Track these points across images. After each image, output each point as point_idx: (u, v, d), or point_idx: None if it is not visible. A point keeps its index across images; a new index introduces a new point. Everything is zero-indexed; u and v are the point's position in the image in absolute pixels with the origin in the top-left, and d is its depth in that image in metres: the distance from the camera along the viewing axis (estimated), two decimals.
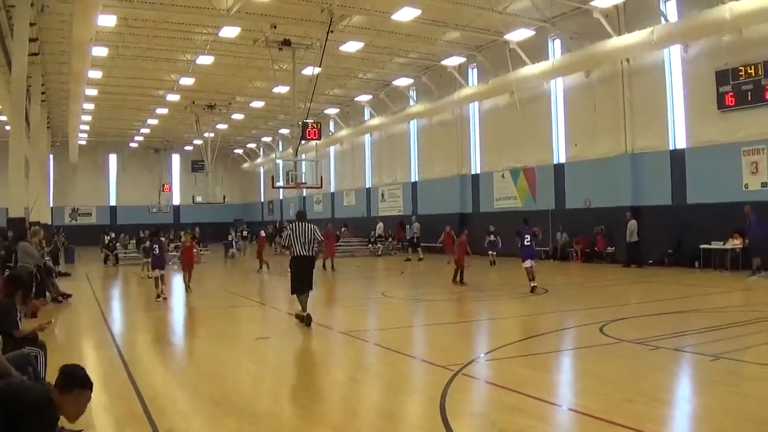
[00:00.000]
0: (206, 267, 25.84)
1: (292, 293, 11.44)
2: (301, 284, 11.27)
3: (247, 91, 35.40)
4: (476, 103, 30.23)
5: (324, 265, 23.10)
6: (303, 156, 29.45)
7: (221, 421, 5.84)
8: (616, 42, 21.01)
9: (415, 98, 34.10)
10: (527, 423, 5.58)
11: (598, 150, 23.70)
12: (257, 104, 36.98)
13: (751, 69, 18.36)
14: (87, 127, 43.73)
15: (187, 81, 30.65)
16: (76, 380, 4.10)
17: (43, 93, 30.53)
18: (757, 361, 7.44)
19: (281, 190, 40.04)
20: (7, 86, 21.72)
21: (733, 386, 6.48)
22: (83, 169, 52.71)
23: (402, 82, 32.63)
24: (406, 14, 21.34)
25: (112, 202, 56.32)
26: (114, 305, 16.54)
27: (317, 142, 29.77)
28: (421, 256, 27.80)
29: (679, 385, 7.21)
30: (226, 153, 54.30)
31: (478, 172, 30.65)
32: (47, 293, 14.61)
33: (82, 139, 46.42)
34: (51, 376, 5.57)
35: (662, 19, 20.16)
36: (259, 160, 55.60)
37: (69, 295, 15.36)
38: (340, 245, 31.22)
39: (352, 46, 25.39)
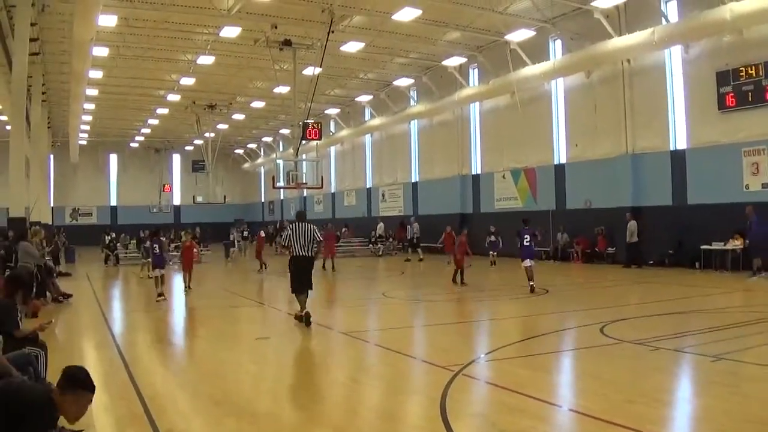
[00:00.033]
0: (207, 267, 25.86)
1: (293, 293, 11.48)
2: (300, 284, 11.31)
3: (247, 91, 35.42)
4: (477, 104, 30.22)
5: (324, 266, 23.11)
6: (303, 156, 29.48)
7: (221, 421, 5.84)
8: (617, 42, 21.01)
9: (415, 98, 34.10)
10: (528, 423, 5.58)
11: (599, 150, 23.69)
12: (258, 104, 36.98)
13: (751, 69, 18.36)
14: (87, 127, 43.75)
15: (187, 81, 30.66)
16: (78, 382, 4.11)
17: (43, 93, 30.54)
18: (758, 361, 7.43)
19: (282, 190, 39.97)
20: (8, 86, 21.74)
21: (733, 387, 6.48)
22: (84, 169, 52.73)
23: (402, 82, 32.62)
24: (406, 14, 21.33)
25: (113, 202, 56.33)
26: (114, 305, 16.55)
27: (318, 142, 29.84)
28: (421, 257, 27.80)
29: (679, 386, 7.20)
30: (226, 153, 54.32)
31: (479, 172, 30.64)
32: (48, 293, 14.61)
33: (83, 139, 46.43)
34: (52, 376, 5.59)
35: (663, 19, 20.16)
36: (259, 160, 55.60)
37: (69, 295, 15.37)
38: (340, 245, 31.23)
39: (352, 47, 25.37)
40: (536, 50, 24.58)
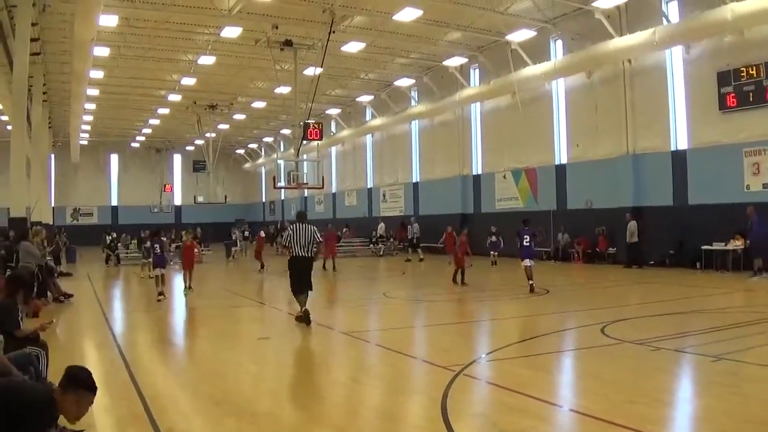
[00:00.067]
0: (208, 267, 25.89)
1: (293, 293, 11.52)
2: (300, 284, 11.34)
3: (248, 92, 35.42)
4: (478, 104, 30.22)
5: (324, 266, 23.11)
6: (304, 156, 29.53)
7: (222, 421, 5.84)
8: (618, 43, 21.00)
9: (416, 99, 34.09)
10: (528, 424, 5.58)
11: (600, 151, 23.69)
12: (259, 104, 36.98)
13: (752, 70, 18.35)
14: (88, 127, 43.76)
15: (188, 81, 30.67)
16: (80, 382, 4.11)
17: (44, 93, 30.55)
18: (759, 362, 7.43)
19: (283, 190, 39.90)
20: (9, 86, 21.75)
21: (734, 387, 6.48)
22: (85, 169, 52.75)
23: (403, 82, 32.61)
24: (407, 15, 21.32)
25: (114, 202, 56.36)
26: (115, 305, 16.56)
27: (319, 142, 29.89)
28: (422, 256, 27.79)
29: (680, 386, 7.21)
30: (227, 153, 54.28)
31: (480, 172, 30.64)
32: (49, 293, 14.62)
33: (84, 139, 46.43)
34: (52, 376, 5.59)
35: (664, 19, 20.15)
36: (260, 161, 55.61)
37: (70, 295, 15.39)
38: (341, 245, 31.21)
39: (353, 47, 25.37)
40: (537, 50, 24.57)
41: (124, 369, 7.90)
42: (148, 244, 17.99)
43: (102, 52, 24.12)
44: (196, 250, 18.91)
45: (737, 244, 18.37)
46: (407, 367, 8.27)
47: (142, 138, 50.53)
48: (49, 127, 39.17)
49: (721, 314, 11.57)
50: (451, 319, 12.74)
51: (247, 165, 58.89)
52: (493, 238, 24.67)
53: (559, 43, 24.94)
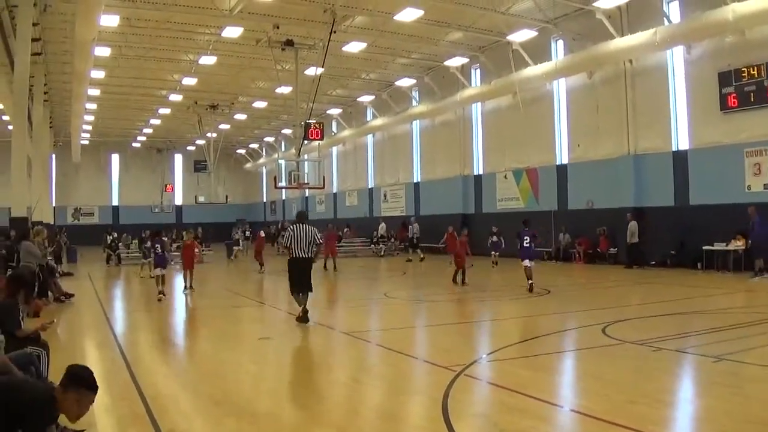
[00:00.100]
0: (209, 267, 25.89)
1: (292, 293, 11.56)
2: (299, 285, 11.37)
3: (249, 92, 35.43)
4: (479, 104, 30.22)
5: (325, 266, 23.12)
6: (305, 156, 29.53)
7: (222, 421, 5.84)
8: (619, 43, 21.00)
9: (417, 99, 34.09)
10: (529, 424, 5.58)
11: (601, 151, 23.68)
12: (260, 104, 37.00)
13: (753, 70, 18.33)
14: (89, 127, 43.79)
15: (189, 81, 30.68)
16: (81, 380, 4.10)
17: (45, 93, 30.56)
18: (760, 362, 7.43)
19: (284, 190, 39.96)
20: (10, 86, 21.75)
21: (735, 388, 6.47)
22: (86, 169, 52.81)
23: (405, 82, 32.61)
24: (408, 15, 21.32)
25: (115, 202, 56.41)
26: (116, 305, 16.56)
27: (320, 142, 29.89)
28: (422, 256, 27.79)
29: (681, 387, 7.20)
30: (228, 153, 54.32)
31: (481, 172, 30.63)
32: (50, 293, 14.62)
33: (85, 138, 46.48)
34: (53, 375, 5.59)
35: (665, 20, 20.15)
36: (261, 161, 55.63)
37: (71, 295, 15.39)
38: (342, 246, 31.22)
39: (354, 47, 25.38)
40: (538, 51, 24.57)
41: (125, 369, 7.90)
42: (148, 244, 17.99)
43: (103, 52, 24.15)
44: (196, 249, 18.92)
45: (738, 244, 18.35)
46: (408, 367, 8.27)
47: (143, 138, 50.58)
48: (50, 127, 39.21)
49: (722, 315, 11.55)
50: (452, 319, 12.74)
51: (248, 165, 58.91)
52: (494, 239, 24.63)
53: (560, 43, 24.94)
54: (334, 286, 19.55)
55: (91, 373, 4.20)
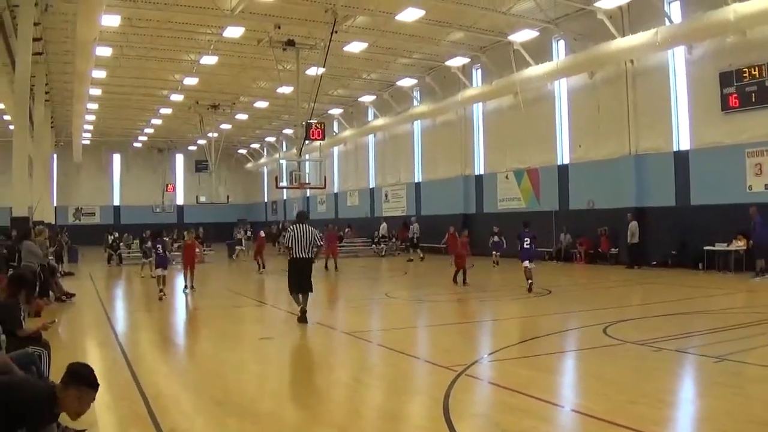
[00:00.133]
0: (210, 267, 25.91)
1: (291, 294, 11.59)
2: (299, 286, 11.40)
3: (251, 92, 35.43)
4: (480, 104, 30.20)
5: (326, 266, 23.12)
6: (307, 156, 29.51)
7: (224, 421, 5.85)
8: (620, 43, 20.98)
9: (418, 99, 34.08)
10: (530, 424, 5.58)
11: (602, 151, 23.66)
12: (261, 104, 37.01)
13: (755, 70, 18.32)
14: (91, 127, 43.79)
15: (191, 81, 30.70)
16: (82, 378, 4.11)
17: (47, 92, 30.58)
18: (761, 362, 7.43)
19: (285, 190, 39.99)
20: (11, 86, 21.77)
21: (736, 388, 6.47)
22: (87, 169, 52.83)
23: (406, 82, 32.61)
24: (410, 15, 21.32)
25: (116, 202, 56.40)
26: (117, 305, 16.57)
27: (321, 142, 29.85)
28: (422, 256, 27.78)
29: (682, 387, 7.20)
30: (229, 153, 54.34)
31: (482, 172, 30.62)
32: (51, 293, 14.65)
33: (86, 138, 46.50)
34: (55, 375, 5.59)
35: (666, 20, 20.14)
36: (262, 161, 55.63)
37: (72, 295, 15.41)
38: (343, 246, 31.23)
39: (356, 47, 25.38)
40: (539, 51, 24.56)
41: (126, 368, 7.91)
42: (149, 243, 18.00)
43: (104, 51, 24.16)
44: (197, 249, 18.93)
45: (740, 244, 18.34)
46: (409, 367, 8.27)
47: (145, 138, 50.61)
48: (52, 127, 39.24)
49: (724, 315, 11.55)
50: (453, 319, 12.74)
51: (250, 165, 58.91)
52: (496, 239, 24.62)
53: (562, 43, 24.93)
54: (335, 286, 19.56)
55: (91, 370, 4.20)
